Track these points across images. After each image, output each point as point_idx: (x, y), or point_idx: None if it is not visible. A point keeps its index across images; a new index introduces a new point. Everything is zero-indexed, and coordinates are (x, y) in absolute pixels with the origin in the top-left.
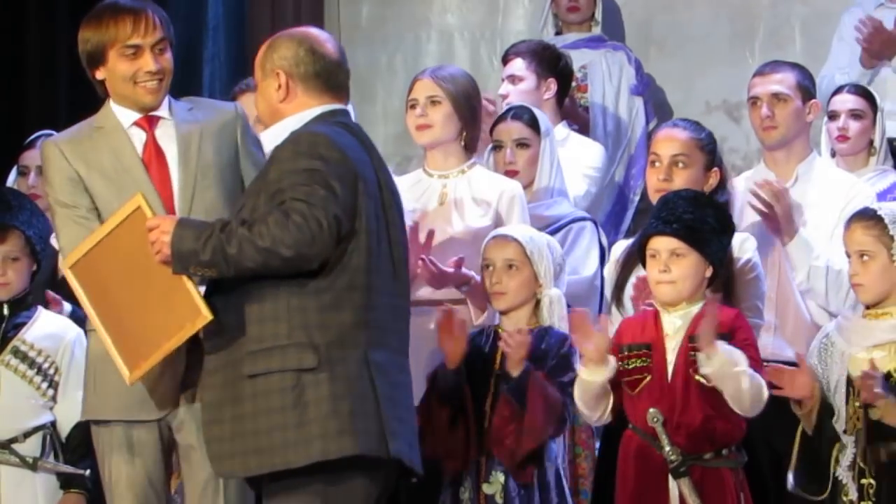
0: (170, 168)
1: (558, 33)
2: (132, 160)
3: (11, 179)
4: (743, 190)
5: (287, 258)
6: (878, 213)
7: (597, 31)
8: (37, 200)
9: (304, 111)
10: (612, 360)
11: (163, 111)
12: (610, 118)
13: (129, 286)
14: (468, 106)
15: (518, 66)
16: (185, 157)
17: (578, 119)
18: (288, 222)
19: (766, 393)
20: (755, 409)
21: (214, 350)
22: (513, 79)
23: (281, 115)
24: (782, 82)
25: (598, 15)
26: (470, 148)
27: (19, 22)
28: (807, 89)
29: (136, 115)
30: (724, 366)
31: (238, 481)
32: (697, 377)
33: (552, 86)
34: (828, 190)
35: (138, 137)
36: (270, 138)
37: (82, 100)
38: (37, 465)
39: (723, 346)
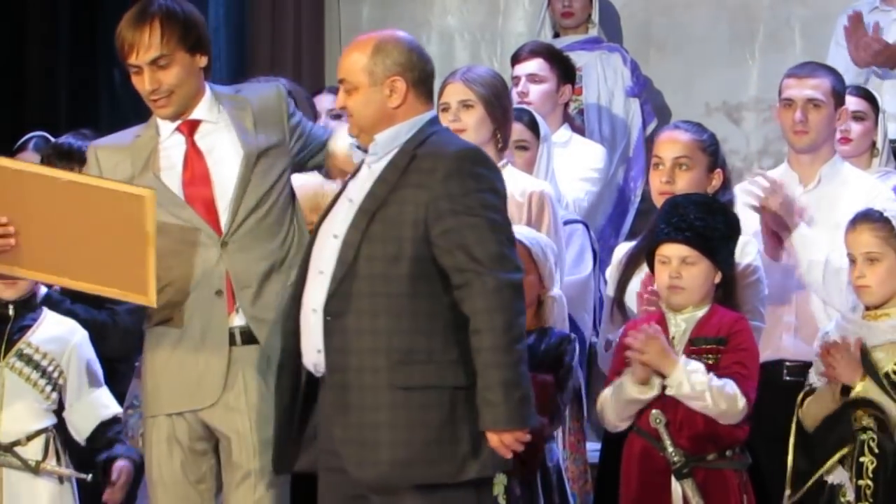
0: (210, 170)
1: (556, 35)
2: (147, 174)
3: None
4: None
5: None
6: (885, 214)
7: (593, 32)
8: None
9: (416, 117)
10: (656, 379)
11: (202, 113)
12: (606, 120)
13: (69, 226)
14: (500, 107)
15: (540, 65)
16: (245, 147)
17: (574, 128)
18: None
19: (741, 404)
20: (731, 419)
21: (342, 353)
22: (533, 77)
23: (392, 120)
24: (818, 88)
25: (595, 17)
26: (502, 148)
27: (20, 24)
28: (840, 95)
29: (177, 122)
30: (682, 387)
31: (273, 477)
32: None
33: (567, 92)
34: (850, 192)
35: (180, 144)
36: (384, 143)
37: (83, 102)
38: (39, 469)
39: (682, 367)
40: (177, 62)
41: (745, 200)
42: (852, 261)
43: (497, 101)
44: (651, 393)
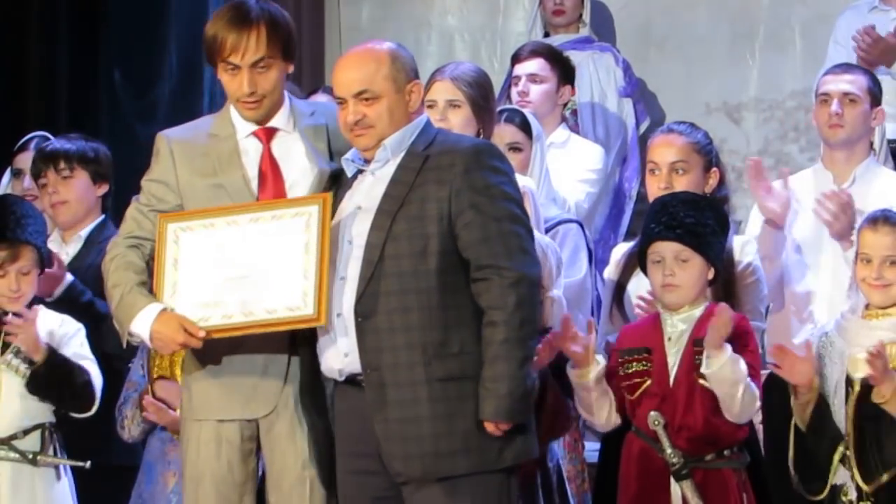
0: (285, 181)
1: (546, 35)
2: (235, 173)
3: (5, 182)
4: (800, 190)
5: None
6: None
7: (584, 31)
8: (34, 202)
9: (416, 119)
10: (599, 359)
11: (280, 122)
12: (599, 120)
13: None
14: (486, 107)
15: (541, 66)
16: (317, 164)
17: (568, 128)
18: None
19: (758, 404)
20: (744, 417)
21: (376, 351)
22: (534, 77)
23: (404, 124)
24: (854, 83)
25: (586, 16)
26: None
27: (21, 24)
28: (875, 95)
29: (253, 126)
30: (724, 370)
31: (323, 484)
32: (697, 377)
33: (567, 92)
34: (885, 192)
35: (255, 149)
36: (394, 147)
37: (82, 103)
38: (37, 460)
39: (728, 352)
40: (275, 68)
41: (815, 208)
42: (866, 260)
43: (484, 102)
44: (589, 374)
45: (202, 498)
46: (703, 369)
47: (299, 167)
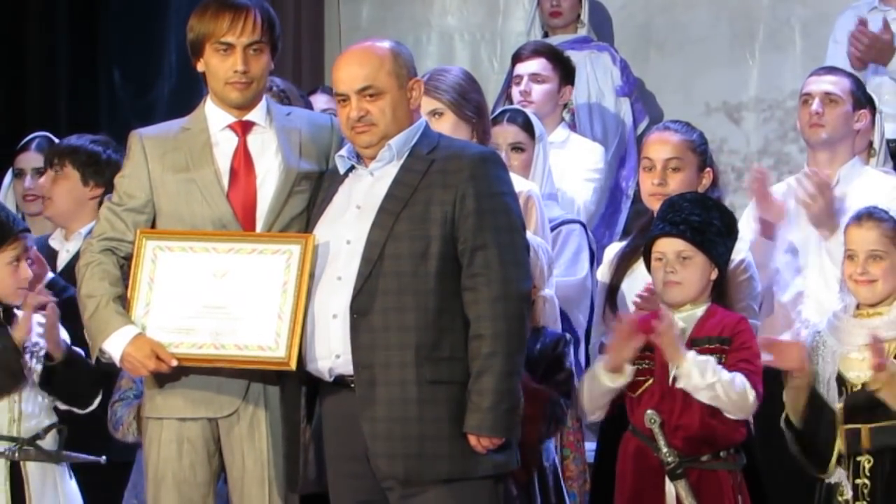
0: (256, 176)
1: (545, 35)
2: (207, 168)
3: (6, 182)
4: (786, 194)
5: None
6: (889, 213)
7: (583, 32)
8: (34, 202)
9: (418, 121)
10: (629, 368)
11: (257, 117)
12: (596, 120)
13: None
14: (472, 106)
15: (543, 65)
16: (287, 163)
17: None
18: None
19: (751, 398)
20: (740, 414)
21: (369, 349)
22: (536, 77)
23: (408, 124)
24: (836, 84)
25: (584, 16)
26: (484, 143)
27: (20, 24)
28: (859, 98)
29: (231, 119)
30: (693, 378)
31: (285, 485)
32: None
33: (567, 92)
34: (869, 192)
35: (230, 142)
36: (399, 148)
37: (83, 102)
38: (60, 457)
39: (692, 358)
40: (265, 54)
41: (796, 190)
42: (852, 257)
43: (465, 101)
44: (621, 381)
45: (164, 499)
46: (677, 384)
47: (272, 164)
